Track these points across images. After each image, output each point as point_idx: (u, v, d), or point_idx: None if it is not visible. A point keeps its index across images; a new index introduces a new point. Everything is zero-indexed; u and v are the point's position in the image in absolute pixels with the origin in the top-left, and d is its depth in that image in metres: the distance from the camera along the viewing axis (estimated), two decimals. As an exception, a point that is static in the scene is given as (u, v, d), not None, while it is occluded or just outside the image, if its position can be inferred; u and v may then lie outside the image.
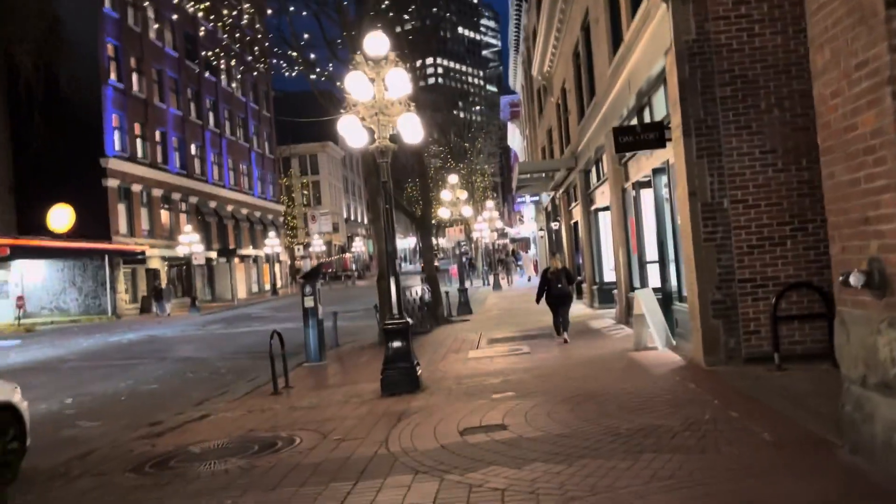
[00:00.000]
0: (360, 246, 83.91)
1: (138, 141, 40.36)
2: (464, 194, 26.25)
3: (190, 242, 38.68)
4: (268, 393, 11.43)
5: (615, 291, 16.63)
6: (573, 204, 24.21)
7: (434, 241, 77.73)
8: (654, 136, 10.30)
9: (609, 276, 19.32)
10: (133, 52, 40.13)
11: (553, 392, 8.83)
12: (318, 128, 53.75)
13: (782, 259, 9.04)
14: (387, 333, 9.89)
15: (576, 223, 24.45)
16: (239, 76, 49.43)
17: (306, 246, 66.30)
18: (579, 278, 23.99)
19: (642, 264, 13.70)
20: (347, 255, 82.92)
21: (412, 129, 9.81)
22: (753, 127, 9.09)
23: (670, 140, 10.07)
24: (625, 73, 12.65)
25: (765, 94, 9.08)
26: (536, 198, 40.54)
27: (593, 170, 19.48)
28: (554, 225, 31.35)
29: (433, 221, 45.55)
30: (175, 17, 40.25)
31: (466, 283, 26.97)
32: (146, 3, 40.28)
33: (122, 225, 38.00)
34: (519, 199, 54.87)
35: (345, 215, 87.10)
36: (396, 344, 9.81)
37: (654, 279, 13.30)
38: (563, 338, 13.35)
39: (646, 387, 8.60)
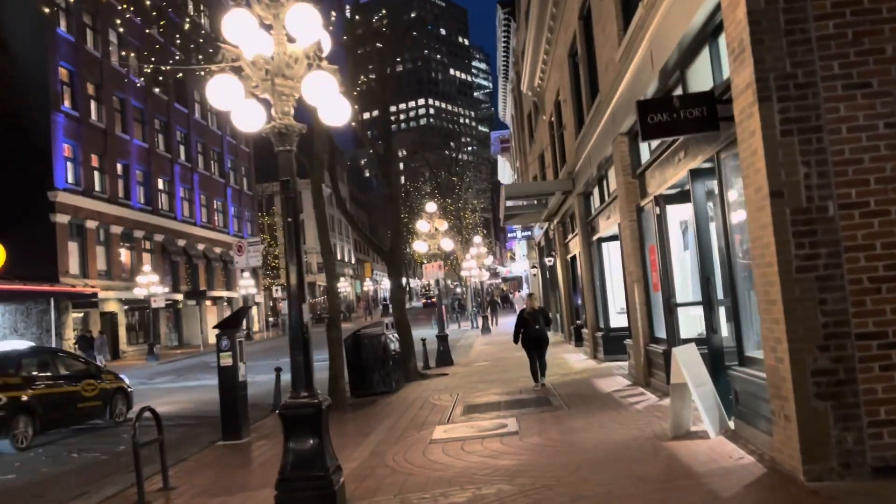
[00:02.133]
0: (346, 286, 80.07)
1: (95, 174, 36.78)
2: (443, 225, 22.58)
3: (149, 283, 35.15)
4: (132, 501, 7.79)
5: (628, 342, 13.03)
6: (570, 235, 20.72)
7: (425, 280, 74.33)
8: (701, 112, 6.79)
9: (617, 320, 15.72)
10: (91, 77, 36.84)
11: (553, 531, 5.17)
12: (302, 165, 50.38)
13: (929, 300, 5.50)
14: (285, 423, 6.15)
15: (573, 257, 20.93)
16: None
17: (285, 287, 62.54)
18: (578, 322, 20.63)
19: (669, 307, 10.03)
20: (332, 296, 78.97)
21: (327, 98, 6.22)
22: (874, 85, 5.58)
23: (726, 120, 6.59)
24: (643, 45, 9.25)
25: (891, 31, 5.62)
26: (528, 233, 37.45)
27: (595, 191, 16.02)
28: (548, 261, 27.94)
29: (417, 259, 41.60)
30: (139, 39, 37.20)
31: (454, 326, 23.44)
32: (107, 27, 37.14)
33: (73, 265, 34.25)
34: (510, 235, 51.94)
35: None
36: (302, 442, 6.05)
37: (687, 327, 9.72)
38: (540, 384, 13.01)
39: (715, 525, 4.94)
